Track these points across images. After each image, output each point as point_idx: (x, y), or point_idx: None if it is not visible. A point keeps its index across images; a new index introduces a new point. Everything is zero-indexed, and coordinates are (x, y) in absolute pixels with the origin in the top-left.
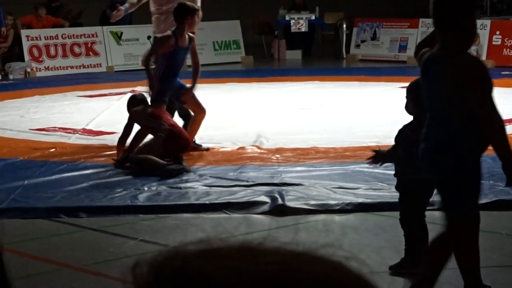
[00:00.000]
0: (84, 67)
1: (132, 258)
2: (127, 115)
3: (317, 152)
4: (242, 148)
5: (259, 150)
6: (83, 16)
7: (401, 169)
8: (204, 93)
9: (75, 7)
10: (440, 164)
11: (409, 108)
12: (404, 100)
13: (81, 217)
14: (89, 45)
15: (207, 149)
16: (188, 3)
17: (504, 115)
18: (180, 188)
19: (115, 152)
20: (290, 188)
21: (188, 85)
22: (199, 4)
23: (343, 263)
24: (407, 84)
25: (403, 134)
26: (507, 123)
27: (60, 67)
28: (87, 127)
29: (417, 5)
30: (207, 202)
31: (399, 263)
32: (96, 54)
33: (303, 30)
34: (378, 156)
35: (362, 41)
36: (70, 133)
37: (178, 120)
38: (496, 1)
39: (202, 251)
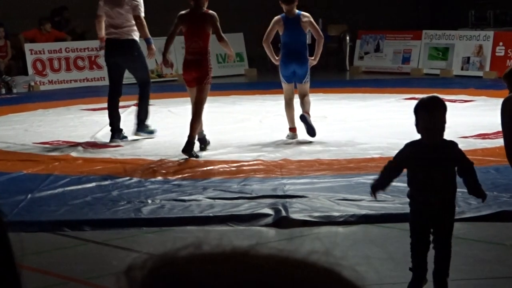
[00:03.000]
0: (87, 80)
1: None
2: (131, 128)
3: (321, 164)
4: (246, 160)
5: (263, 163)
6: (81, 22)
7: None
8: (208, 105)
9: (81, 22)
10: None
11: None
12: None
13: (85, 230)
14: (92, 59)
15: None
16: None
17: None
18: (184, 201)
19: (119, 164)
20: (294, 200)
21: None
22: None
23: (334, 270)
24: (410, 96)
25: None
26: None
27: (63, 80)
28: (91, 140)
29: (420, 17)
30: (211, 214)
31: None
32: (99, 67)
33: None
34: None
35: (366, 53)
36: (74, 146)
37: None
38: (499, 12)
39: (193, 256)
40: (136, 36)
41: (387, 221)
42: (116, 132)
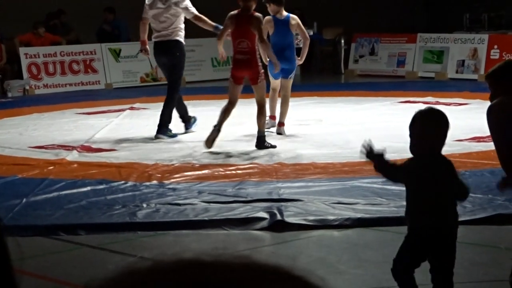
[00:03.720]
0: (82, 84)
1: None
2: (126, 132)
3: (316, 168)
4: (241, 164)
5: (258, 166)
6: (80, 33)
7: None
8: (203, 109)
9: (76, 26)
10: None
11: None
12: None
13: (80, 234)
14: (87, 62)
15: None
16: None
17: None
18: (179, 204)
19: (114, 168)
20: (289, 204)
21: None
22: None
23: (305, 277)
24: (405, 99)
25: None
26: None
27: (58, 84)
28: (86, 144)
29: (415, 20)
30: (206, 218)
31: None
32: (94, 71)
33: (301, 45)
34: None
35: (361, 56)
36: (69, 150)
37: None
38: (494, 15)
39: (155, 271)
40: (180, 37)
41: (382, 224)
42: (187, 122)
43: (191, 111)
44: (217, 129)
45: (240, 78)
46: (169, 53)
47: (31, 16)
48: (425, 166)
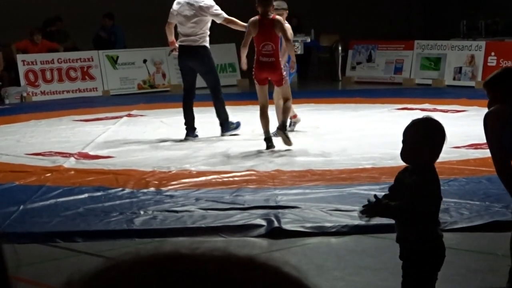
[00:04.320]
0: (80, 91)
1: None
2: (123, 139)
3: (313, 175)
4: (238, 171)
5: (255, 173)
6: (78, 40)
7: (402, 234)
8: (201, 116)
9: (73, 33)
10: None
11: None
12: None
13: (77, 241)
14: (85, 69)
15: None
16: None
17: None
18: (176, 211)
19: (111, 175)
20: (286, 211)
21: None
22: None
23: (281, 268)
24: (403, 106)
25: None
26: None
27: (56, 91)
28: (83, 151)
29: (412, 27)
30: (203, 225)
31: None
32: (92, 78)
33: (298, 52)
34: (370, 209)
35: (358, 63)
36: (66, 157)
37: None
38: (491, 22)
39: (131, 266)
40: (207, 42)
41: (379, 231)
42: (190, 130)
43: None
44: (269, 142)
45: (264, 80)
46: (197, 59)
47: (29, 23)
48: (404, 174)
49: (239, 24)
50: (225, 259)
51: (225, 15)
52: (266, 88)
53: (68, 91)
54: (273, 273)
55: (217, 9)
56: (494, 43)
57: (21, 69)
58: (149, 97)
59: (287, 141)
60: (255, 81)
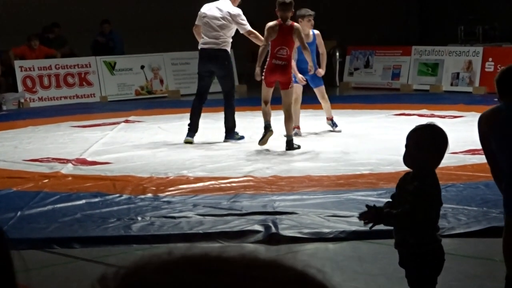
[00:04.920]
0: (77, 97)
1: None
2: (121, 145)
3: (311, 181)
4: (236, 177)
5: (252, 179)
6: (75, 46)
7: (400, 239)
8: (203, 121)
9: (71, 39)
10: None
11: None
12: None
13: (74, 247)
14: (82, 75)
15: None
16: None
17: None
18: (174, 217)
19: (109, 181)
20: (283, 216)
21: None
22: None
23: (306, 271)
24: (400, 112)
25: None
26: None
27: (53, 97)
28: (81, 157)
29: (409, 33)
30: (200, 231)
31: None
32: (89, 84)
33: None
34: (371, 215)
35: (355, 69)
36: (63, 163)
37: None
38: (488, 28)
39: (164, 264)
40: (228, 47)
41: (377, 237)
42: (191, 132)
43: (187, 123)
44: (270, 129)
45: (273, 82)
46: (218, 62)
47: (27, 29)
48: (405, 180)
49: (260, 39)
50: (252, 259)
51: (249, 27)
52: (272, 90)
53: (65, 97)
54: (299, 275)
55: (243, 19)
56: (492, 49)
57: (19, 75)
58: (146, 103)
59: (263, 141)
60: (264, 82)
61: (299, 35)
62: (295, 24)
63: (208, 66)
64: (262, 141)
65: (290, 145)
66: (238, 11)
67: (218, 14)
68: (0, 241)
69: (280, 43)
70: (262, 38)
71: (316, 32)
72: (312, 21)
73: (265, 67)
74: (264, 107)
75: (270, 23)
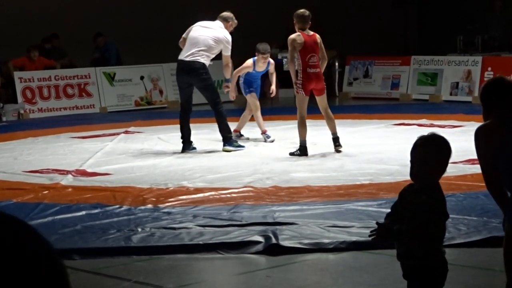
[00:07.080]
0: (77, 108)
1: None
2: (121, 156)
3: (311, 191)
4: (236, 187)
5: (252, 190)
6: (75, 57)
7: (405, 251)
8: (198, 132)
9: (70, 50)
10: None
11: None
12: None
13: (74, 259)
14: (82, 86)
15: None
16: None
17: None
18: (174, 228)
19: (109, 192)
20: (283, 227)
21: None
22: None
23: None
24: (400, 122)
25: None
26: None
27: (53, 108)
28: (81, 168)
29: (408, 43)
30: (200, 242)
31: None
32: (89, 95)
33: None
34: (382, 232)
35: (355, 79)
36: (63, 174)
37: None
38: (487, 37)
39: None
40: (206, 61)
41: (378, 247)
42: (187, 144)
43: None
44: (306, 152)
45: (310, 90)
46: (195, 74)
47: (26, 40)
48: (410, 192)
49: (228, 71)
50: None
51: (228, 53)
52: (307, 99)
53: (65, 108)
54: None
55: (229, 48)
56: (491, 58)
57: (18, 86)
58: (146, 113)
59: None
60: (302, 93)
61: (321, 43)
62: (316, 34)
63: (185, 78)
64: (292, 154)
65: (337, 142)
66: (229, 37)
67: (209, 31)
68: (60, 271)
69: (309, 51)
70: (229, 71)
71: (271, 61)
72: (268, 59)
73: (300, 77)
74: (304, 121)
75: (293, 36)
